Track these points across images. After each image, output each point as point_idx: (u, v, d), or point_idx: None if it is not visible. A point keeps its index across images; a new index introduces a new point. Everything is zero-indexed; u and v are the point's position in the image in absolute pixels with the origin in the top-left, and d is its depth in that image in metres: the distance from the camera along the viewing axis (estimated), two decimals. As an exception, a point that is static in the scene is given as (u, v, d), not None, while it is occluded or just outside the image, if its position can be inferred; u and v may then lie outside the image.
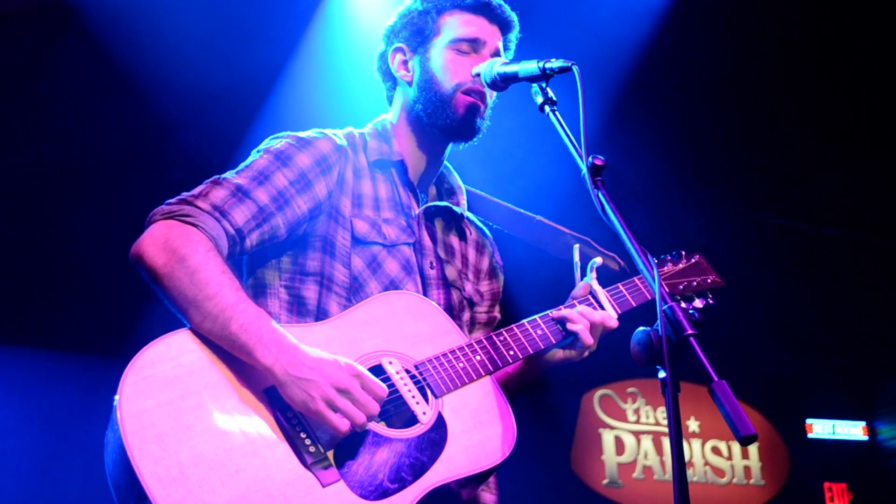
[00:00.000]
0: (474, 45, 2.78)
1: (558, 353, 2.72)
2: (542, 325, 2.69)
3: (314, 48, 6.14)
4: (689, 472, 9.08)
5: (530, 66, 2.49)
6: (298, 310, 2.55)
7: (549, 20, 5.86)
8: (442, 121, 2.74)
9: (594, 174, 2.20)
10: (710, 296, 3.09)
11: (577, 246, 2.83)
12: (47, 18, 5.70)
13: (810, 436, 9.86)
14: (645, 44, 6.45)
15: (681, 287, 3.05)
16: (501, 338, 2.63)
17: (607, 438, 9.10)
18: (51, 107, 6.06)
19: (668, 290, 3.01)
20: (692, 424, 9.36)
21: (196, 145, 6.31)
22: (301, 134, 2.65)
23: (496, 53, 2.80)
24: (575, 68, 2.36)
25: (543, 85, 2.45)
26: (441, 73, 2.75)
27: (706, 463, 9.38)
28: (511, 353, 2.61)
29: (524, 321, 2.70)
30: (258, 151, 2.61)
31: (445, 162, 2.97)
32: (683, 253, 3.14)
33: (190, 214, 2.34)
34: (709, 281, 3.09)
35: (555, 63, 2.42)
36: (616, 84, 6.55)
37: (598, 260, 2.83)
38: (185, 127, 6.25)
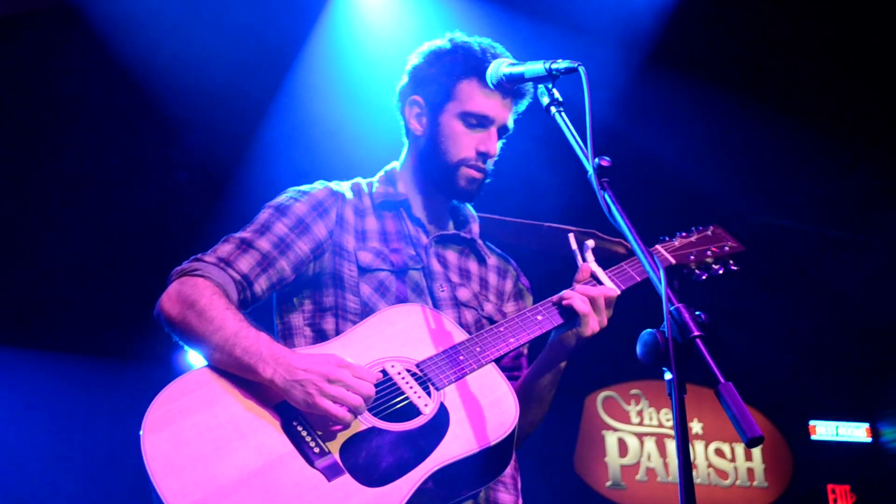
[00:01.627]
0: (483, 121, 2.83)
1: (571, 338, 2.72)
2: (542, 310, 2.73)
3: (320, 49, 6.14)
4: (693, 473, 9.08)
5: (536, 67, 2.50)
6: (321, 341, 2.69)
7: (555, 20, 5.86)
8: (443, 189, 2.89)
9: (600, 175, 2.20)
10: (732, 262, 3.11)
11: (571, 234, 2.85)
12: (53, 20, 5.71)
13: (814, 437, 9.85)
14: (649, 43, 6.45)
15: (692, 257, 3.07)
16: (501, 328, 2.68)
17: (610, 440, 9.09)
18: (56, 108, 6.07)
19: (675, 261, 3.04)
20: (695, 426, 9.35)
21: (201, 146, 6.32)
22: (303, 187, 2.86)
23: (503, 129, 2.87)
24: (581, 69, 2.35)
25: (550, 86, 2.46)
26: (447, 142, 2.83)
27: (709, 465, 9.37)
28: (511, 339, 2.65)
29: (524, 310, 2.75)
30: (263, 209, 2.81)
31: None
32: (698, 227, 3.17)
33: (198, 269, 2.60)
34: (727, 248, 3.13)
35: (561, 64, 2.43)
36: (622, 82, 6.55)
37: (591, 242, 2.85)
38: (190, 128, 6.26)
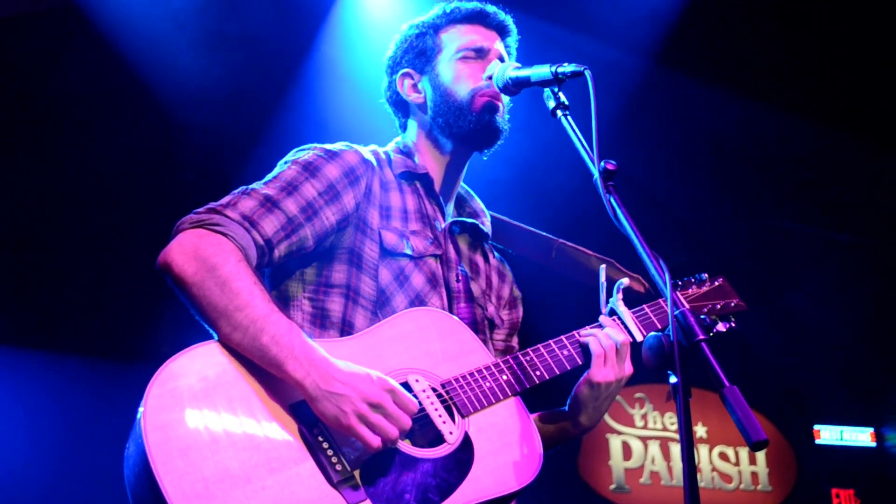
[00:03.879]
0: (479, 52, 2.81)
1: (584, 390, 2.68)
2: (568, 345, 2.67)
3: (327, 49, 6.15)
4: (697, 477, 9.06)
5: (543, 71, 2.49)
6: (322, 322, 2.52)
7: (560, 23, 5.87)
8: (464, 127, 2.75)
9: (606, 179, 2.20)
10: (733, 319, 3.08)
11: (603, 266, 2.78)
12: (58, 22, 5.72)
13: (818, 442, 9.82)
14: (656, 46, 6.45)
15: (705, 310, 3.04)
16: (528, 357, 2.60)
17: (614, 444, 9.08)
18: (61, 109, 6.08)
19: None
20: (700, 430, 9.33)
21: (206, 147, 6.32)
22: (328, 146, 2.64)
23: (500, 58, 2.83)
24: (587, 73, 2.36)
25: (556, 89, 2.45)
26: (454, 84, 2.77)
27: (713, 468, 9.35)
28: (538, 373, 2.58)
29: (550, 341, 2.67)
30: (285, 163, 2.58)
31: (466, 186, 2.99)
32: (706, 276, 3.12)
33: (220, 224, 2.31)
34: (732, 304, 3.09)
35: (567, 67, 2.42)
36: (628, 88, 6.55)
37: (626, 281, 2.79)
38: (195, 129, 6.27)
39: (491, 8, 2.89)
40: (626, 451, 9.09)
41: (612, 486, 8.87)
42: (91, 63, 5.84)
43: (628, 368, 2.66)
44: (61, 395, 6.44)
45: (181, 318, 2.32)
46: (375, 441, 2.17)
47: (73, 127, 6.15)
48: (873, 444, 9.98)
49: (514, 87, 2.64)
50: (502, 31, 2.89)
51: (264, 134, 6.22)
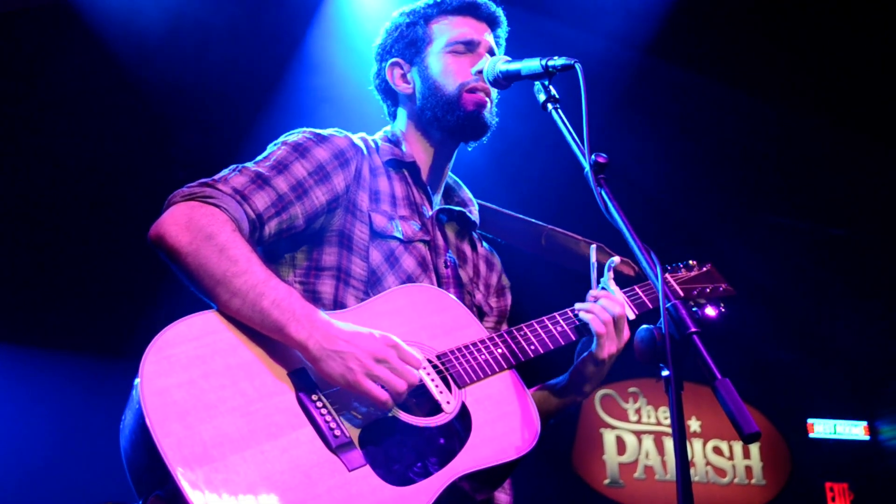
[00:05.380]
0: (469, 45, 2.81)
1: (589, 366, 2.71)
2: (560, 321, 2.69)
3: (318, 46, 6.14)
4: (691, 471, 9.08)
5: (533, 64, 2.49)
6: (314, 305, 2.49)
7: (552, 17, 5.86)
8: (452, 122, 2.76)
9: (597, 172, 2.20)
10: (723, 304, 3.11)
11: (593, 246, 2.82)
12: (49, 18, 5.71)
13: (812, 435, 9.85)
14: (650, 41, 6.45)
15: (694, 293, 3.07)
16: (522, 332, 2.63)
17: (608, 438, 9.09)
18: (53, 106, 6.06)
19: (683, 294, 3.04)
20: (693, 424, 9.35)
21: (198, 143, 6.31)
22: (319, 130, 2.66)
23: (490, 51, 2.83)
24: (578, 66, 2.36)
25: (546, 83, 2.46)
26: (443, 77, 2.78)
27: (707, 463, 9.37)
28: (532, 347, 2.60)
29: (544, 318, 2.70)
30: (276, 144, 2.61)
31: (454, 177, 3.00)
32: (695, 262, 3.16)
33: (212, 196, 2.32)
34: (721, 289, 3.12)
35: (558, 61, 2.43)
36: (620, 81, 6.55)
37: (617, 259, 2.82)
38: (188, 125, 6.26)
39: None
40: (621, 446, 9.10)
41: (607, 481, 8.89)
42: (82, 60, 5.82)
43: (626, 335, 2.70)
44: (52, 392, 6.45)
45: (175, 314, 2.31)
46: (383, 395, 2.18)
47: (64, 124, 6.13)
48: (867, 438, 10.01)
49: (505, 80, 2.64)
50: (493, 23, 2.89)
51: (256, 131, 6.21)
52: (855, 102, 7.22)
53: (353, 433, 2.20)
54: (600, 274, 2.79)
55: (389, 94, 2.95)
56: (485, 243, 3.06)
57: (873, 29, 6.69)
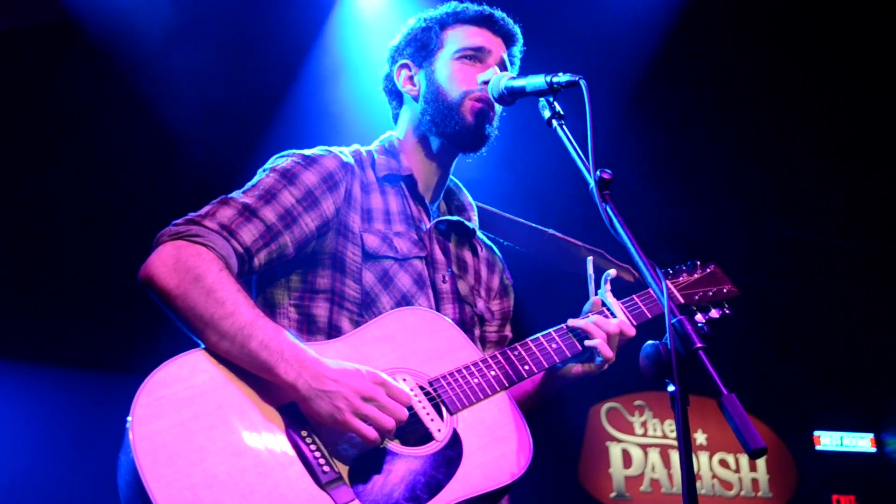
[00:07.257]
0: (479, 54, 2.80)
1: (576, 368, 2.71)
2: (556, 338, 2.67)
3: (322, 62, 6.16)
4: (697, 484, 9.01)
5: (537, 81, 2.50)
6: (308, 328, 2.53)
7: (556, 31, 5.87)
8: (451, 128, 2.75)
9: (602, 188, 2.20)
10: (727, 305, 3.09)
11: (590, 258, 2.80)
12: (55, 34, 5.74)
13: (818, 448, 9.81)
14: (652, 55, 6.46)
15: (696, 297, 3.05)
16: (516, 352, 2.61)
17: (615, 451, 9.07)
18: (59, 121, 6.09)
19: (683, 301, 3.02)
20: (700, 437, 9.32)
21: (204, 158, 6.32)
22: (306, 152, 2.65)
23: (501, 65, 2.83)
24: (582, 82, 2.36)
25: (551, 99, 2.46)
26: (448, 83, 2.77)
27: (714, 475, 9.34)
28: (526, 367, 2.58)
29: (538, 335, 2.68)
30: (264, 171, 2.60)
31: (455, 179, 2.98)
32: (698, 263, 3.14)
33: (199, 234, 2.32)
34: (724, 290, 3.09)
35: (562, 77, 2.43)
36: (623, 95, 6.56)
37: (613, 272, 2.81)
38: (193, 140, 6.27)
39: (500, 14, 2.89)
40: (627, 459, 9.07)
41: (613, 494, 8.86)
42: (87, 75, 5.84)
43: (614, 356, 2.69)
44: (55, 407, 6.44)
45: (176, 329, 2.32)
46: (372, 434, 2.19)
47: (71, 140, 6.16)
48: (873, 450, 9.96)
49: (510, 96, 2.64)
50: (508, 40, 2.89)
51: (261, 144, 6.22)
52: (860, 113, 7.23)
53: (343, 469, 2.20)
54: (598, 285, 2.79)
55: (395, 96, 2.95)
56: (485, 243, 3.05)
57: (875, 38, 6.70)
